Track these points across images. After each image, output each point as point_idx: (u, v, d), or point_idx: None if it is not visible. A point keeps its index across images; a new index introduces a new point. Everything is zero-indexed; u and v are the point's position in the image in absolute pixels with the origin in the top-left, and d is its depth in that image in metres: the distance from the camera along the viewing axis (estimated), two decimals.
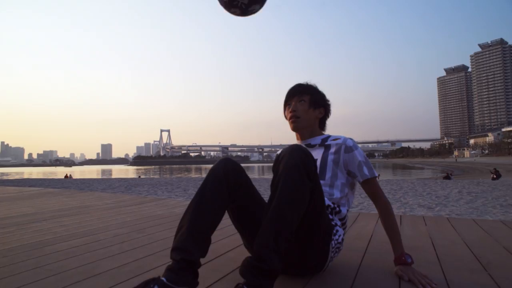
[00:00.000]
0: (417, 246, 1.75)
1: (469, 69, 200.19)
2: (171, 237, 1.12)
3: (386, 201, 1.29)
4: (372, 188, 1.29)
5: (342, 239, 1.25)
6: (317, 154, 1.32)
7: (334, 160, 1.28)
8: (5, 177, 16.91)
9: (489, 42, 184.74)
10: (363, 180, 1.27)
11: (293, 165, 0.99)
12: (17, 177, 16.68)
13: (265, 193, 7.01)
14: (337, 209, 1.26)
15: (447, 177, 18.11)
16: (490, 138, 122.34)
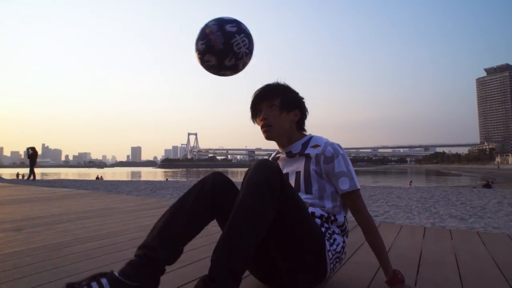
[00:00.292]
0: (438, 262, 1.64)
1: None
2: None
3: (368, 217, 1.19)
4: (352, 201, 1.18)
5: (343, 247, 1.19)
6: (299, 165, 1.21)
7: (317, 172, 1.17)
8: (44, 177, 18.02)
9: None
10: (341, 193, 1.17)
11: (255, 183, 0.93)
12: (54, 177, 17.78)
13: None
14: (332, 217, 1.18)
15: (487, 186, 16.89)
16: None
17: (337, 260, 1.16)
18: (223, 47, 1.05)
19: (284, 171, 1.25)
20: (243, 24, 1.10)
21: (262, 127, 1.21)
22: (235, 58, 1.07)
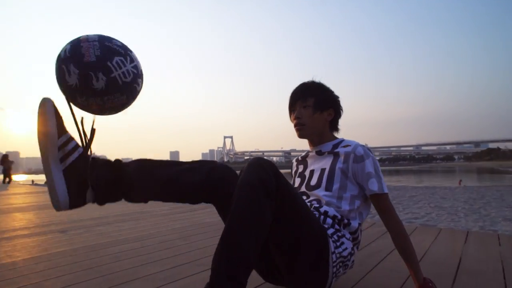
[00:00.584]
0: (480, 271, 1.50)
1: None
2: (211, 245, 1.12)
3: (397, 220, 1.15)
4: (380, 204, 1.15)
5: (350, 254, 1.12)
6: (326, 163, 1.21)
7: (343, 170, 1.16)
8: None
9: None
10: (370, 194, 1.15)
11: (247, 184, 0.89)
12: None
13: None
14: (346, 221, 1.14)
15: None
16: None
17: (341, 264, 1.09)
18: (126, 96, 0.90)
19: (311, 168, 1.25)
20: (111, 40, 0.88)
21: (295, 126, 1.23)
22: (139, 78, 0.92)
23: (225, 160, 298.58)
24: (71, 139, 0.90)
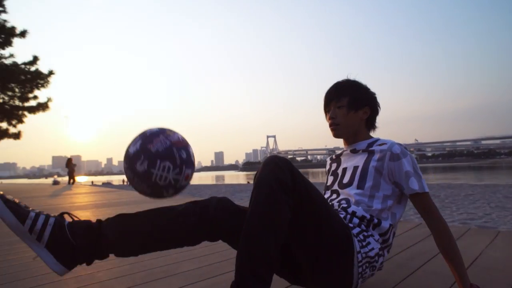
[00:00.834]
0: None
1: None
2: None
3: (441, 220, 1.08)
4: (422, 203, 1.10)
5: (378, 255, 1.08)
6: (359, 160, 1.18)
7: (377, 168, 1.12)
8: None
9: None
10: (410, 194, 1.10)
11: (264, 182, 0.90)
12: None
13: None
14: (376, 221, 1.09)
15: None
16: None
17: (367, 265, 1.05)
18: (151, 191, 0.96)
19: (343, 166, 1.24)
20: (153, 140, 0.93)
21: (330, 126, 1.23)
22: (171, 188, 0.95)
23: None
24: (36, 216, 0.92)
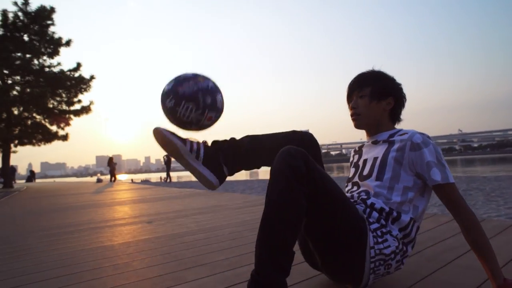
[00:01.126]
0: None
1: None
2: None
3: (468, 212, 1.03)
4: (446, 195, 1.04)
5: (394, 252, 1.03)
6: (379, 151, 1.14)
7: (396, 159, 1.08)
8: (180, 179, 21.47)
9: None
10: (433, 185, 1.05)
11: (278, 171, 0.91)
12: (187, 179, 21.05)
13: None
14: (395, 214, 1.06)
15: None
16: None
17: (381, 262, 1.02)
18: (176, 124, 1.10)
19: (364, 157, 1.21)
20: (183, 84, 1.05)
21: (351, 116, 1.22)
22: (194, 125, 1.09)
23: None
24: (191, 141, 1.12)
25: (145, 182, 18.95)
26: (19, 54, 15.11)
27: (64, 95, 16.22)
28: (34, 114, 15.93)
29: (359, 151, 1.28)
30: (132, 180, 22.72)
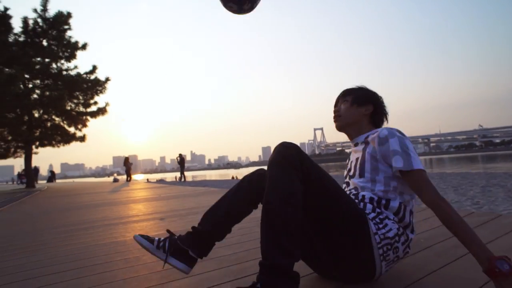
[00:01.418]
0: None
1: None
2: None
3: (433, 196, 1.03)
4: (413, 181, 1.08)
5: (397, 234, 1.07)
6: (360, 152, 1.24)
7: (372, 155, 1.17)
8: (195, 179, 21.72)
9: None
10: (396, 171, 1.10)
11: (275, 163, 1.00)
12: (201, 178, 21.29)
13: None
14: (384, 202, 1.11)
15: None
16: None
17: (389, 247, 1.04)
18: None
19: (351, 159, 1.31)
20: None
21: (333, 118, 1.34)
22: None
23: (316, 152, 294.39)
24: (158, 239, 1.23)
25: (160, 181, 19.29)
26: (38, 58, 15.67)
27: (81, 97, 16.71)
28: (53, 116, 16.49)
29: (349, 155, 1.38)
30: (147, 179, 23.15)
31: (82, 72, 16.59)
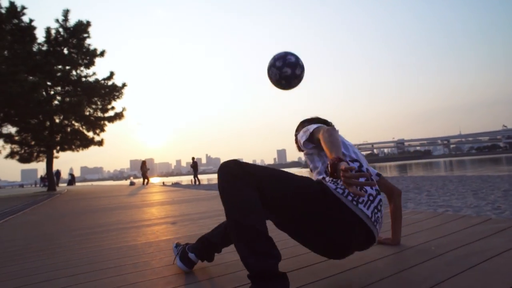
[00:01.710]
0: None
1: None
2: (288, 239, 1.27)
3: (321, 132, 1.31)
4: (316, 141, 1.39)
5: (332, 180, 1.22)
6: None
7: (306, 153, 1.52)
8: (211, 182, 21.87)
9: None
10: (303, 143, 1.45)
11: (219, 183, 1.14)
12: (215, 181, 21.40)
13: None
14: (322, 171, 1.40)
15: None
16: None
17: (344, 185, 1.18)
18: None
19: None
20: (276, 61, 1.46)
21: (295, 141, 1.64)
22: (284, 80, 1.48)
23: None
24: (179, 246, 1.64)
25: (176, 184, 19.55)
26: (60, 66, 16.27)
27: (99, 102, 17.21)
28: (73, 122, 17.04)
29: None
30: (163, 183, 23.51)
31: (100, 79, 17.11)
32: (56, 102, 16.25)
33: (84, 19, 17.19)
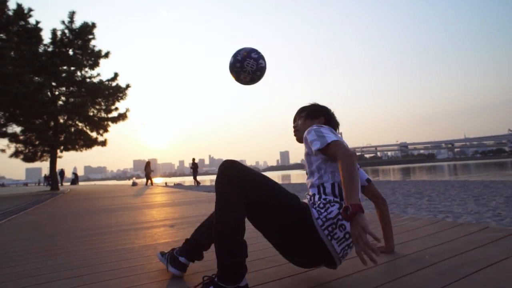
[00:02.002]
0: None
1: None
2: None
3: (342, 154, 1.21)
4: (330, 155, 1.29)
5: (339, 213, 1.22)
6: None
7: (307, 153, 1.42)
8: (210, 183, 21.88)
9: None
10: (316, 152, 1.31)
11: (216, 179, 1.24)
12: None
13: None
14: (322, 188, 1.31)
15: None
16: None
17: (333, 226, 1.20)
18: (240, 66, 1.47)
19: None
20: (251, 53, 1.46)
21: (293, 132, 1.63)
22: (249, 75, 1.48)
23: None
24: (165, 254, 1.64)
25: (178, 185, 19.60)
26: (65, 67, 16.41)
27: (102, 103, 17.32)
28: (77, 122, 17.17)
29: None
30: (166, 183, 23.58)
31: (104, 79, 17.23)
32: (60, 102, 16.38)
33: (89, 20, 17.36)
